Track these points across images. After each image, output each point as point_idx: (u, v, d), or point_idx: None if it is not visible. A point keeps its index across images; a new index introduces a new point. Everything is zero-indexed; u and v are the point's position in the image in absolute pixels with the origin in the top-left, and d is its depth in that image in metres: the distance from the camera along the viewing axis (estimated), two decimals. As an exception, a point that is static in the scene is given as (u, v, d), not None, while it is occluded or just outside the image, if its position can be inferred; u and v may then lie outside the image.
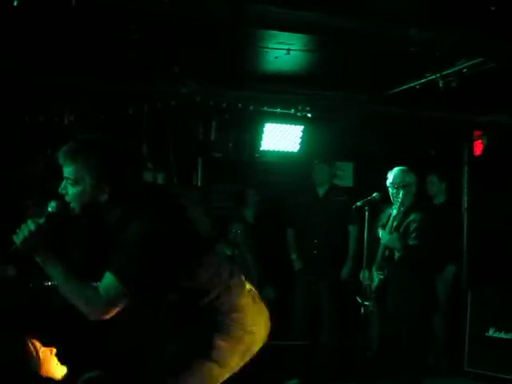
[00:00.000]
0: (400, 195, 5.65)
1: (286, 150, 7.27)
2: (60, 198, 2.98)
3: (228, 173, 7.38)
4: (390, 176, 5.75)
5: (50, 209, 2.96)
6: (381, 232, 5.68)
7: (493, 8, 4.40)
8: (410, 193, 5.74)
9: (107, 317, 2.90)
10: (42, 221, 2.91)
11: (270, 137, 7.11)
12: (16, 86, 5.95)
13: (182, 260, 3.02)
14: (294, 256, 7.12)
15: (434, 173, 7.54)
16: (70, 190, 2.96)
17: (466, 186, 7.74)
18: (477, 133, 7.69)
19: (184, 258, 3.04)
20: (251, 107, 6.62)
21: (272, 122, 7.01)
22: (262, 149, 7.16)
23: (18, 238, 2.87)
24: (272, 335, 6.81)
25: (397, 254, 5.58)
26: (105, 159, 2.94)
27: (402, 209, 5.69)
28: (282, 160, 7.43)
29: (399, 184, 5.69)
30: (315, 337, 6.97)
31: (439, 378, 6.73)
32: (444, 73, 5.78)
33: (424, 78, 6.05)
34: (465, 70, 5.68)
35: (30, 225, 2.87)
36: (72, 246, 3.46)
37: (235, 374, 3.28)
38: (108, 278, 2.86)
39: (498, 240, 7.48)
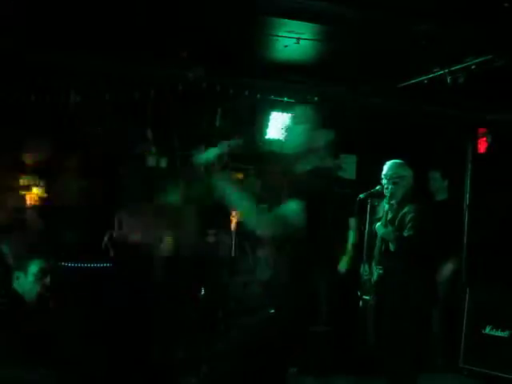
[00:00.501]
0: (389, 188, 5.64)
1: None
2: None
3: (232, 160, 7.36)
4: (384, 168, 5.75)
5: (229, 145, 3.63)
6: (377, 225, 5.68)
7: (506, 4, 4.39)
8: (403, 186, 5.69)
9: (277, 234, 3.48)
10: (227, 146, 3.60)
11: (276, 125, 7.09)
12: (23, 65, 5.94)
13: None
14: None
15: (437, 169, 7.53)
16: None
17: (468, 184, 7.73)
18: (481, 130, 7.68)
19: None
20: (258, 95, 6.62)
21: (278, 111, 6.99)
22: (266, 137, 7.14)
23: (212, 153, 3.54)
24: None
25: (392, 247, 5.57)
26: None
27: (392, 202, 5.68)
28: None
29: (391, 176, 5.67)
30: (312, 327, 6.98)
31: (434, 373, 6.72)
32: (452, 68, 5.77)
33: (432, 73, 6.05)
34: (473, 67, 5.67)
35: (224, 144, 3.63)
36: None
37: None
38: (293, 205, 3.41)
39: (499, 238, 7.47)
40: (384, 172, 5.73)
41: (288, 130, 3.48)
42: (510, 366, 6.58)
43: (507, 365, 6.57)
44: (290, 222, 3.39)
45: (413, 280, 5.51)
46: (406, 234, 5.49)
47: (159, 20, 5.18)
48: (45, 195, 6.67)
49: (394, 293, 5.55)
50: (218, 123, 6.99)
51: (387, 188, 5.66)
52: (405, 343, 5.56)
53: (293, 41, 5.47)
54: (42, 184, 6.65)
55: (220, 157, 3.54)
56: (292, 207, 3.42)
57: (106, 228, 6.69)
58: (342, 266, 6.98)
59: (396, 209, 5.67)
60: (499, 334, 6.78)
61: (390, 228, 5.59)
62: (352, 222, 7.04)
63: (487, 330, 6.86)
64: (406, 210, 5.59)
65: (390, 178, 5.66)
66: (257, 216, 3.46)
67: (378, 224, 5.67)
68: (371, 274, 5.73)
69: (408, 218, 5.54)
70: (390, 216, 5.68)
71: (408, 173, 5.75)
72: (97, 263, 5.88)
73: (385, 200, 5.69)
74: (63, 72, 6.12)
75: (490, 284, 7.07)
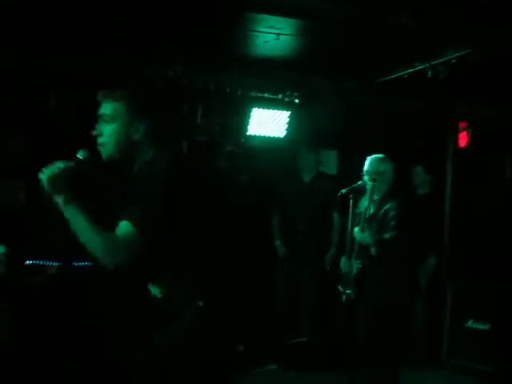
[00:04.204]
0: (369, 183, 5.64)
1: (272, 135, 7.24)
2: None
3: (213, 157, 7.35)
4: (365, 163, 5.76)
5: (79, 155, 3.03)
6: (355, 230, 5.68)
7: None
8: (384, 181, 5.70)
9: (122, 262, 2.97)
10: (71, 163, 2.99)
11: (257, 122, 7.08)
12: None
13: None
14: (278, 242, 7.12)
15: (419, 164, 7.56)
16: (105, 129, 3.09)
17: (449, 178, 7.76)
18: (462, 124, 7.70)
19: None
20: (239, 91, 6.60)
21: (259, 107, 6.98)
22: (248, 133, 7.13)
23: (44, 175, 2.93)
24: (252, 320, 6.87)
25: (372, 250, 5.56)
26: (142, 98, 3.16)
27: (375, 197, 5.68)
28: (268, 145, 7.40)
29: (372, 171, 5.68)
30: (295, 323, 7.00)
31: (418, 367, 6.74)
32: (433, 63, 5.78)
33: (412, 68, 6.05)
34: (453, 61, 5.67)
35: (59, 163, 2.95)
36: (95, 194, 3.53)
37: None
38: (126, 225, 2.92)
39: (480, 232, 7.50)
40: (365, 167, 5.73)
41: (99, 130, 3.14)
42: (492, 358, 6.62)
43: (489, 357, 6.61)
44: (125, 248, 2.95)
45: (392, 276, 5.52)
46: (387, 236, 5.48)
47: (137, 16, 5.14)
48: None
49: (374, 288, 5.56)
50: (198, 120, 6.97)
51: (368, 183, 5.66)
52: (386, 337, 5.57)
53: (273, 36, 5.45)
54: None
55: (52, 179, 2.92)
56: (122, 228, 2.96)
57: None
58: (327, 261, 6.99)
59: (378, 204, 5.68)
60: (481, 326, 6.82)
61: (366, 232, 5.58)
62: (335, 216, 7.06)
63: (469, 323, 6.90)
64: (388, 206, 5.60)
65: (370, 173, 5.66)
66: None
67: (356, 229, 5.66)
68: (351, 267, 5.74)
69: (390, 215, 5.54)
70: (371, 211, 5.68)
71: (389, 167, 5.75)
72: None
73: (365, 196, 5.69)
74: (40, 72, 6.07)
75: (472, 278, 7.10)
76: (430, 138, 7.83)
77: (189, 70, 6.30)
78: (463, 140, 7.63)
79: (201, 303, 3.08)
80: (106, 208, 3.09)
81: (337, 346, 6.56)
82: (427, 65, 5.85)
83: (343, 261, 5.85)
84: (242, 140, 7.16)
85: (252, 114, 7.00)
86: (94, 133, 3.10)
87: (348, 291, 5.73)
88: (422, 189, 7.60)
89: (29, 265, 5.71)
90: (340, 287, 5.80)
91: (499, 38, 5.16)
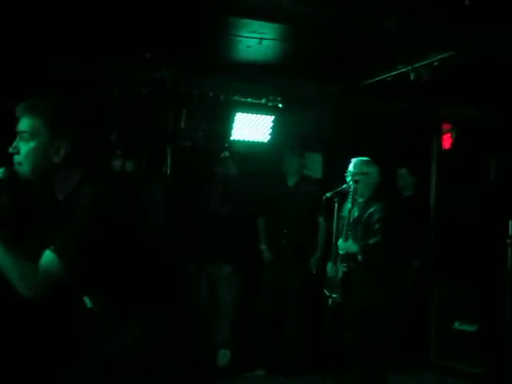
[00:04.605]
0: (352, 185, 5.63)
1: (256, 140, 7.23)
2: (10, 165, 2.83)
3: (197, 162, 7.32)
4: (350, 166, 5.75)
5: None
6: (339, 242, 5.66)
7: (467, 2, 4.41)
8: (368, 184, 5.69)
9: (42, 296, 2.72)
10: None
11: (241, 126, 7.06)
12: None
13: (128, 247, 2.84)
14: (263, 246, 7.11)
15: (404, 166, 7.57)
16: (22, 148, 2.80)
17: (433, 180, 7.78)
18: (446, 126, 7.72)
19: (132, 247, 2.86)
20: (222, 96, 6.59)
21: (243, 112, 6.96)
22: (232, 138, 7.11)
23: None
24: (239, 325, 6.84)
25: (359, 257, 5.55)
26: (65, 116, 2.82)
27: (359, 200, 5.68)
28: (252, 150, 7.39)
29: (354, 173, 5.66)
30: (282, 327, 6.99)
31: (405, 369, 6.75)
32: (416, 65, 5.79)
33: (396, 71, 6.07)
34: (436, 64, 5.69)
35: None
36: (17, 218, 3.29)
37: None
38: (49, 256, 2.69)
39: (465, 234, 7.52)
40: (349, 168, 5.73)
41: (16, 148, 2.90)
42: (479, 360, 6.64)
43: (476, 359, 6.63)
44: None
45: (377, 279, 5.52)
46: (372, 241, 5.47)
47: (121, 21, 5.11)
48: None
49: (359, 291, 5.56)
50: (182, 124, 6.94)
51: (350, 184, 5.65)
52: (372, 341, 5.57)
53: (256, 41, 5.44)
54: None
55: None
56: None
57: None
58: (313, 265, 6.98)
59: (363, 207, 5.67)
60: (467, 328, 6.83)
61: (349, 241, 5.57)
62: (320, 220, 7.05)
63: (456, 325, 6.91)
64: (372, 209, 5.59)
65: (353, 175, 5.65)
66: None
67: (340, 240, 5.65)
68: (336, 271, 5.72)
69: (375, 218, 5.53)
70: (356, 214, 5.68)
71: (373, 170, 5.74)
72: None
73: (349, 198, 5.68)
74: (23, 73, 6.01)
75: (457, 279, 7.12)
76: (415, 140, 7.84)
77: (172, 75, 6.28)
78: (447, 142, 7.65)
79: (137, 328, 2.89)
80: (29, 234, 2.98)
81: (323, 349, 6.55)
82: (410, 67, 5.87)
83: (329, 265, 5.84)
84: (226, 145, 7.14)
85: (235, 118, 6.98)
86: (10, 150, 2.81)
87: (334, 295, 5.72)
88: (407, 191, 7.62)
89: None
90: (326, 291, 5.79)
91: (482, 40, 5.18)
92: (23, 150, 2.79)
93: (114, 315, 2.95)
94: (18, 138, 2.82)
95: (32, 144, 2.79)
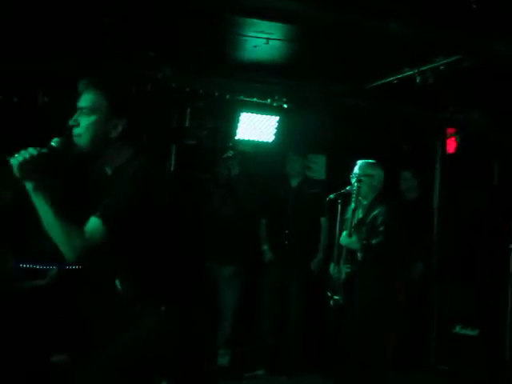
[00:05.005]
0: (355, 187, 5.64)
1: (260, 140, 7.23)
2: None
3: (201, 161, 7.32)
4: (355, 167, 5.76)
5: (53, 143, 2.95)
6: (342, 235, 5.67)
7: (474, 6, 4.40)
8: (371, 186, 5.70)
9: (83, 259, 2.89)
10: (43, 150, 2.90)
11: (245, 126, 7.06)
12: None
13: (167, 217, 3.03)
14: (265, 247, 7.10)
15: (408, 169, 7.57)
16: (83, 121, 2.98)
17: (437, 183, 7.77)
18: (450, 130, 7.72)
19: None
20: (227, 96, 6.59)
21: (248, 112, 6.96)
22: (236, 138, 7.11)
23: (15, 160, 2.85)
24: (239, 326, 6.84)
25: (359, 255, 5.56)
26: (125, 94, 3.04)
27: (363, 202, 5.68)
28: (256, 150, 7.39)
29: (359, 175, 5.67)
30: (282, 328, 6.99)
31: (406, 373, 6.74)
32: (422, 69, 5.79)
33: (402, 74, 6.06)
34: (442, 67, 5.68)
35: (31, 150, 2.86)
36: (67, 185, 3.43)
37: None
38: (94, 221, 2.84)
39: (468, 237, 7.52)
40: (354, 170, 5.74)
41: (76, 120, 2.97)
42: (480, 363, 6.63)
43: (477, 363, 6.63)
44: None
45: (379, 282, 5.52)
46: (374, 241, 5.48)
47: (127, 19, 5.12)
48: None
49: (361, 293, 5.56)
50: (187, 123, 6.95)
51: (354, 185, 5.66)
52: (373, 342, 5.57)
53: (262, 41, 5.44)
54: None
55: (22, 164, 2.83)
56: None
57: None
58: (314, 266, 6.98)
59: (367, 209, 5.67)
60: (469, 332, 6.83)
61: (354, 238, 5.58)
62: (323, 221, 7.05)
63: (457, 329, 6.90)
64: (376, 211, 5.60)
65: (357, 176, 5.66)
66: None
67: (344, 233, 5.66)
68: (340, 273, 5.73)
69: (379, 220, 5.54)
70: (360, 216, 5.68)
71: (377, 172, 5.75)
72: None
73: (352, 200, 5.68)
74: (32, 74, 6.04)
75: (459, 283, 7.11)
76: (419, 144, 7.84)
77: (178, 74, 6.28)
78: (451, 146, 7.65)
79: (163, 309, 3.02)
80: (77, 201, 3.10)
81: (324, 350, 6.56)
82: (416, 71, 5.86)
83: (332, 266, 5.84)
84: (230, 144, 7.13)
85: (240, 118, 6.98)
86: (71, 122, 2.99)
87: (336, 297, 5.72)
88: (411, 194, 7.62)
89: (27, 268, 5.66)
90: (328, 292, 5.79)
91: (488, 44, 5.17)
92: (83, 122, 2.98)
93: (139, 301, 3.08)
94: (78, 112, 3.00)
95: (92, 118, 2.98)
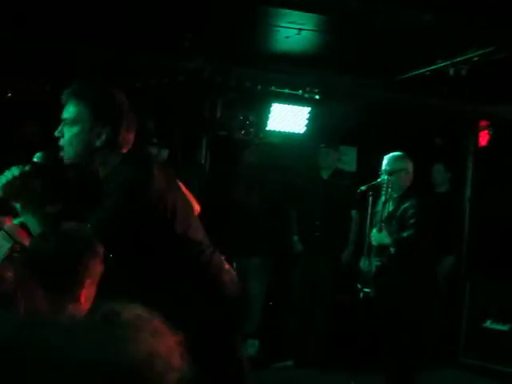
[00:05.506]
0: (386, 180, 5.61)
1: (291, 131, 7.22)
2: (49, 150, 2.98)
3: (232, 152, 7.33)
4: (384, 161, 5.73)
5: (35, 159, 2.95)
6: (372, 232, 5.65)
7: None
8: (403, 179, 5.67)
9: None
10: (26, 168, 2.87)
11: (277, 117, 7.06)
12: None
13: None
14: (295, 238, 7.11)
15: (440, 162, 7.53)
16: (66, 132, 2.94)
17: (469, 177, 7.71)
18: (483, 123, 7.64)
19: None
20: (259, 86, 6.59)
21: (279, 103, 6.96)
22: (267, 129, 7.11)
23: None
24: (268, 316, 6.84)
25: (391, 250, 5.54)
26: (108, 102, 2.95)
27: (394, 195, 5.66)
28: (287, 141, 7.39)
29: (390, 169, 5.65)
30: (311, 319, 6.99)
31: (435, 367, 6.70)
32: (455, 60, 5.74)
33: (435, 65, 6.01)
34: (476, 59, 5.63)
35: (14, 170, 2.84)
36: (55, 198, 3.39)
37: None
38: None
39: (499, 231, 7.45)
40: (383, 164, 5.71)
41: (60, 132, 2.93)
42: (511, 359, 6.57)
43: (508, 358, 6.57)
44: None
45: (410, 275, 5.49)
46: (405, 234, 5.45)
47: (160, 10, 5.14)
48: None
49: (392, 286, 5.55)
50: (218, 114, 6.96)
51: (384, 178, 5.63)
52: (403, 337, 5.55)
53: (294, 31, 5.43)
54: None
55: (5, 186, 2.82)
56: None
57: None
58: (345, 258, 6.97)
59: (397, 202, 5.65)
60: (500, 327, 6.77)
61: (384, 233, 5.56)
62: (353, 214, 7.04)
63: (488, 323, 6.85)
64: (407, 204, 5.58)
65: (388, 170, 5.64)
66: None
67: (374, 230, 5.64)
68: (370, 266, 5.72)
69: (409, 213, 5.52)
70: (390, 209, 5.66)
71: (408, 165, 5.72)
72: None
73: (382, 193, 5.66)
74: (65, 62, 6.07)
75: (490, 278, 7.06)
76: (451, 136, 7.78)
77: (209, 65, 6.29)
78: (484, 139, 7.57)
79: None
80: (68, 212, 3.10)
81: (353, 343, 6.54)
82: (449, 62, 5.81)
83: (362, 259, 5.83)
84: (261, 135, 7.14)
85: (272, 109, 6.98)
86: (56, 134, 2.95)
87: (366, 289, 5.71)
88: (442, 187, 7.57)
89: None
90: (358, 285, 5.78)
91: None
92: (67, 134, 2.93)
93: (151, 293, 3.05)
94: (62, 123, 2.95)
95: (75, 129, 2.92)
